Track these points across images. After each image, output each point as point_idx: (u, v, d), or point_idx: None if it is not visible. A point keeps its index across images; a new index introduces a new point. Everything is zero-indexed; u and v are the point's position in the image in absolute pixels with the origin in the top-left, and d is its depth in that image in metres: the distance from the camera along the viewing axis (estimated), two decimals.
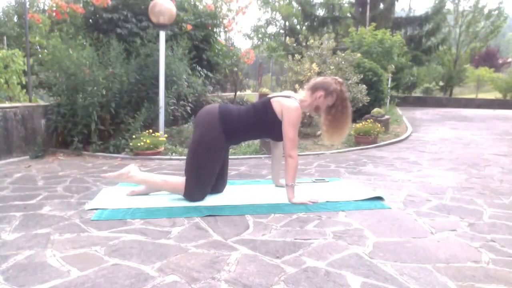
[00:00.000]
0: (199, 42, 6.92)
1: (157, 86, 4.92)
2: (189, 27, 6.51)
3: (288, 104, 2.53)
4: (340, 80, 2.71)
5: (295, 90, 5.90)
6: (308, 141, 5.72)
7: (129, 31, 6.07)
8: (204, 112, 2.60)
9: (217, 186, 2.71)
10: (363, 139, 5.60)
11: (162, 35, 4.77)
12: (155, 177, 2.65)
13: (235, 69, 8.81)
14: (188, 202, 2.50)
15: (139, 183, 2.65)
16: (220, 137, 2.49)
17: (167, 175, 2.78)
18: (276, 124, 2.55)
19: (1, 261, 1.63)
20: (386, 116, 7.37)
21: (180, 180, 2.57)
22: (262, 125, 2.60)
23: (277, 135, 2.64)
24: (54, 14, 6.07)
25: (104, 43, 5.44)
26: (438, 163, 4.22)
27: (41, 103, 4.75)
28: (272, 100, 2.58)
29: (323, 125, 2.76)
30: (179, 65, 5.39)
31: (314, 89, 2.66)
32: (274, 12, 28.27)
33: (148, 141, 4.32)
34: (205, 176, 2.52)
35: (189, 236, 1.95)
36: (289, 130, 2.51)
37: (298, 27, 25.20)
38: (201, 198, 2.55)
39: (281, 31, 28.19)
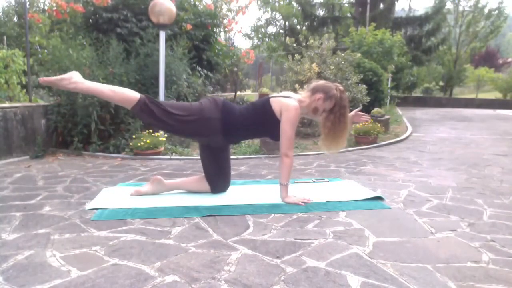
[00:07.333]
0: (199, 42, 6.92)
1: (157, 86, 4.92)
2: (189, 26, 6.51)
3: (287, 103, 2.55)
4: (341, 88, 2.68)
5: (295, 90, 5.90)
6: (308, 141, 5.72)
7: (129, 31, 6.07)
8: (208, 98, 2.69)
9: (222, 186, 2.77)
10: (363, 139, 5.60)
11: (162, 35, 4.76)
12: (103, 89, 2.46)
13: (235, 69, 8.82)
14: (188, 202, 2.50)
15: (85, 92, 2.67)
16: (217, 123, 2.49)
17: (183, 178, 2.91)
18: (274, 124, 2.56)
19: (1, 261, 1.63)
20: (386, 116, 7.37)
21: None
22: (261, 123, 2.61)
23: (276, 135, 2.63)
24: (54, 13, 6.07)
25: (104, 42, 5.44)
26: (438, 163, 4.22)
27: (41, 103, 4.75)
28: (271, 99, 2.61)
29: (321, 133, 2.75)
30: (178, 65, 5.39)
31: (314, 91, 2.66)
32: (274, 12, 28.23)
33: (148, 141, 4.32)
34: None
35: (189, 236, 1.95)
36: (287, 128, 2.52)
37: (298, 27, 25.14)
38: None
39: (281, 31, 28.15)
